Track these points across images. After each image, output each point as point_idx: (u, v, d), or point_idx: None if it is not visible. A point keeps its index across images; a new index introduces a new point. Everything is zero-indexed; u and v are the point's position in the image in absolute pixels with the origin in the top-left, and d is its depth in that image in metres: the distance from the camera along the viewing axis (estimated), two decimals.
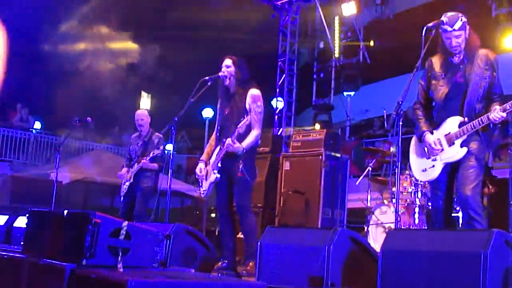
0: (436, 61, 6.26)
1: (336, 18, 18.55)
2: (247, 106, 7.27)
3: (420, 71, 6.18)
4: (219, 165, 7.33)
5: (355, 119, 21.10)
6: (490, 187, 9.22)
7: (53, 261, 4.57)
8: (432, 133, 6.18)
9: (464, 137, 5.96)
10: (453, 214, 6.78)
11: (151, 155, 9.89)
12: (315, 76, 20.72)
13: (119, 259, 4.63)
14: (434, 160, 6.14)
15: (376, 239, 9.74)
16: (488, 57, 6.05)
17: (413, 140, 6.45)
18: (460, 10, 6.15)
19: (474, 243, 4.58)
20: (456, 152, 5.99)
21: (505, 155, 11.74)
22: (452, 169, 6.10)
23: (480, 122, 5.86)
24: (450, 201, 6.29)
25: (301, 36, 18.97)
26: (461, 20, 5.95)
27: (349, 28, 18.93)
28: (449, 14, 5.99)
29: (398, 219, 9.08)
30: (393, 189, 10.04)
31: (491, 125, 5.90)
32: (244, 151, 7.20)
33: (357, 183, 11.42)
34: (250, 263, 7.08)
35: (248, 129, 7.24)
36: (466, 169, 5.91)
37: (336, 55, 18.69)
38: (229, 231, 7.52)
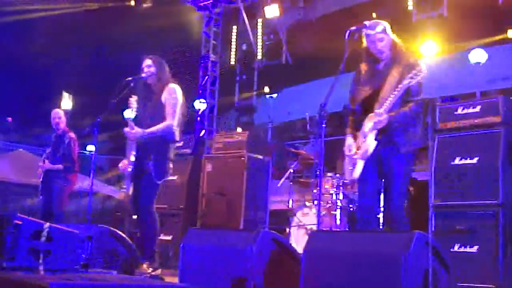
0: (363, 68, 6.34)
1: (259, 20, 18.60)
2: (163, 100, 7.29)
3: (342, 74, 6.23)
4: (132, 158, 7.23)
5: (277, 121, 21.15)
6: (411, 189, 9.36)
7: None
8: (354, 136, 6.25)
9: (375, 131, 5.99)
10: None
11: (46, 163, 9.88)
12: (238, 78, 20.76)
13: (40, 261, 4.57)
14: (357, 159, 6.21)
15: (298, 241, 9.80)
16: (411, 62, 6.04)
17: (346, 142, 6.48)
18: (381, 15, 6.27)
19: (395, 245, 4.66)
20: (368, 145, 6.03)
21: (425, 158, 11.95)
22: (378, 168, 6.15)
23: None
24: (376, 199, 6.36)
25: (224, 38, 18.97)
26: (382, 24, 6.07)
27: (272, 31, 19.01)
28: (370, 21, 6.12)
29: (320, 220, 9.19)
30: (315, 191, 10.13)
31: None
32: (146, 136, 7.15)
33: (279, 185, 11.46)
34: (144, 265, 7.04)
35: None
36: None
37: (259, 57, 18.74)
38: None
